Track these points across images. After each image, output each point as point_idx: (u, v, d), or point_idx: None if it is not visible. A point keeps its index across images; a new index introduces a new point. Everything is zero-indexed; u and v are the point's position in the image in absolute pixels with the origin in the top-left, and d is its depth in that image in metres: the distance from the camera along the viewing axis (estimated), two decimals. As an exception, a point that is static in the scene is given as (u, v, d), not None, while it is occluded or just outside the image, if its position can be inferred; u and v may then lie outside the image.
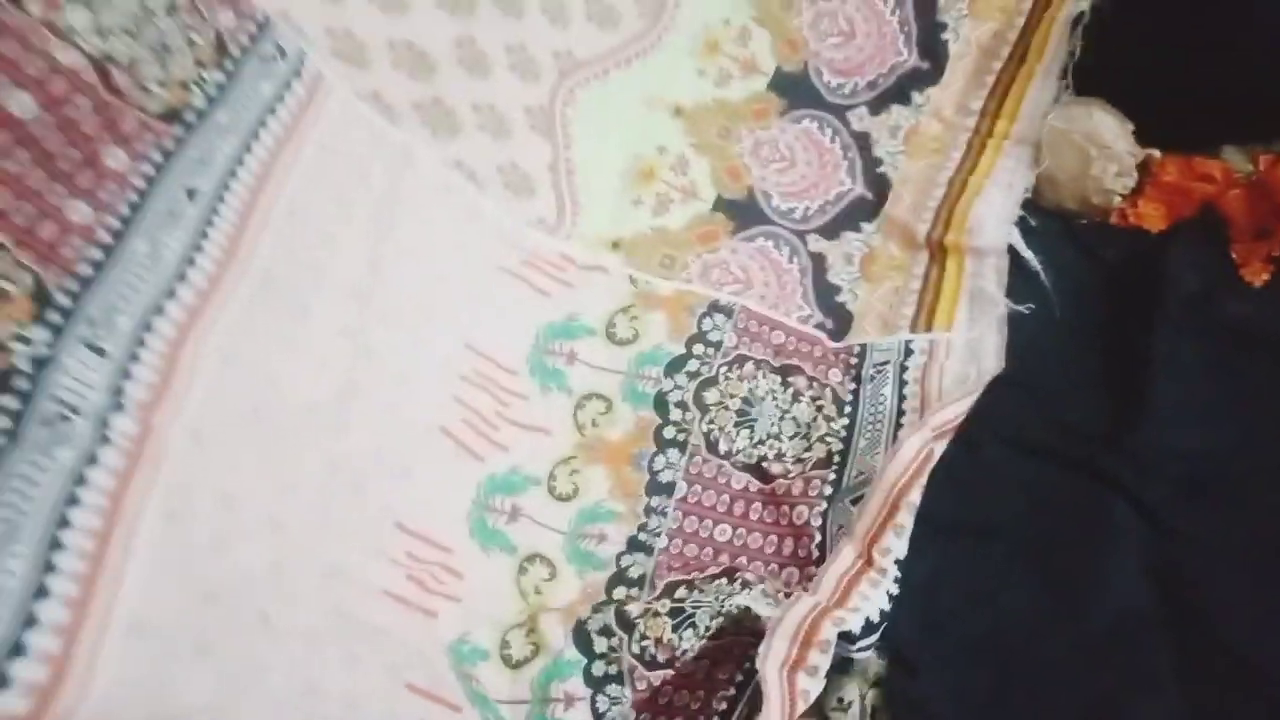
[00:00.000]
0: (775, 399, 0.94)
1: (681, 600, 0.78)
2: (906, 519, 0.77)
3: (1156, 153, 1.07)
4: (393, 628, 0.75)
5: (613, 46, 1.06)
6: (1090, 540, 0.82)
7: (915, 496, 0.78)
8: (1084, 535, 0.83)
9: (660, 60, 1.09)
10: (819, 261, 1.06)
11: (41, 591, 0.61)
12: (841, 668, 0.73)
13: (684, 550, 0.86)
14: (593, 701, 0.75)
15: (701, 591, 0.79)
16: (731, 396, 0.93)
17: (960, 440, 0.85)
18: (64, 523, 0.63)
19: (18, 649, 0.59)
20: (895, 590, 0.75)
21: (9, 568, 0.60)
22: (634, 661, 0.75)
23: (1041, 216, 1.06)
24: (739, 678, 0.74)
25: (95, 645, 0.62)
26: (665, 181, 1.06)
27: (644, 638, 0.75)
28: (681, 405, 0.93)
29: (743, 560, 0.85)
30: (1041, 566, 0.81)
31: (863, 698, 0.74)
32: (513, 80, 0.98)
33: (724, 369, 0.95)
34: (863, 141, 1.14)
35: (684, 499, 0.88)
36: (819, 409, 0.93)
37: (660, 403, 0.93)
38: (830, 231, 1.08)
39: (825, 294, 1.04)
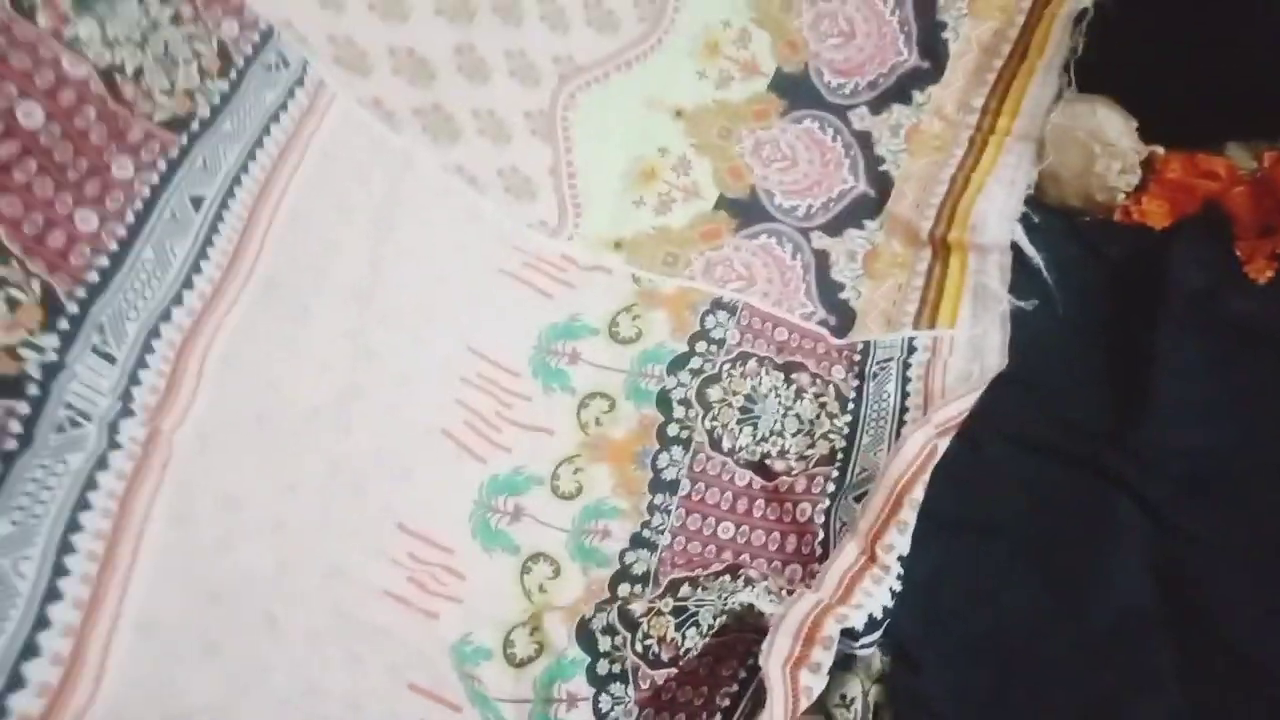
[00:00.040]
0: (778, 396, 0.94)
1: (685, 598, 0.78)
2: (909, 516, 0.77)
3: (1160, 150, 1.07)
4: (394, 628, 0.76)
5: (613, 50, 1.07)
6: (1092, 538, 0.82)
7: (918, 493, 0.78)
8: (1086, 533, 0.83)
9: (661, 63, 1.10)
10: (822, 258, 1.06)
11: (54, 594, 0.62)
12: (844, 664, 0.73)
13: (687, 547, 0.86)
14: (595, 701, 0.75)
15: (705, 589, 0.79)
16: (734, 394, 0.93)
17: (963, 437, 0.84)
18: (75, 526, 0.65)
19: (31, 650, 0.60)
20: (898, 587, 0.75)
21: (21, 570, 0.61)
22: (638, 660, 0.75)
23: (1045, 213, 1.06)
24: (742, 674, 0.74)
25: (105, 646, 0.63)
26: (667, 182, 1.06)
27: (647, 636, 0.75)
28: (685, 403, 0.93)
29: (746, 557, 0.85)
30: (1043, 564, 0.81)
31: (865, 694, 0.74)
32: (512, 86, 1.00)
33: (727, 366, 0.95)
34: (864, 140, 1.14)
35: (687, 496, 0.88)
36: (822, 406, 0.94)
37: (663, 401, 0.93)
38: (833, 229, 1.08)
39: (828, 291, 1.04)
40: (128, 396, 0.70)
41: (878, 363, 0.96)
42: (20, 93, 0.67)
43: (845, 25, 1.17)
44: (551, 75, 1.03)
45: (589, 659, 0.76)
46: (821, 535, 0.84)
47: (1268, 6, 1.01)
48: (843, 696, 0.74)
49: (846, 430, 0.92)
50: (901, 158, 1.13)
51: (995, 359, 0.93)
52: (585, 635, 0.78)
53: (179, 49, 0.78)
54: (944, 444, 0.82)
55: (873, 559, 0.76)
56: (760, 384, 0.94)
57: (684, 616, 0.76)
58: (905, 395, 0.92)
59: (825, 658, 0.67)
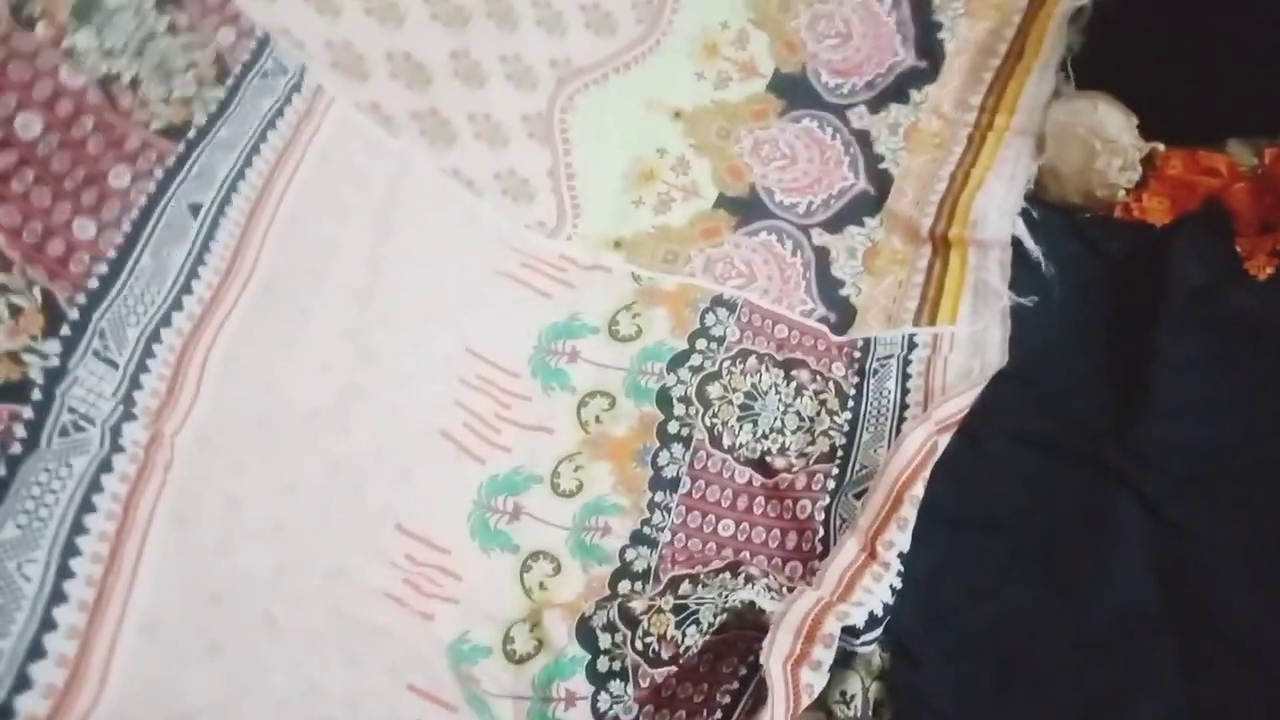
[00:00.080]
0: (778, 393, 0.94)
1: (685, 596, 0.78)
2: (910, 513, 0.77)
3: (1161, 146, 1.07)
4: (392, 629, 0.76)
5: (611, 53, 1.07)
6: (1093, 534, 0.82)
7: (919, 490, 0.78)
8: (1087, 529, 0.83)
9: (659, 64, 1.10)
10: (822, 255, 1.06)
11: (59, 596, 0.63)
12: (844, 661, 0.73)
13: (688, 544, 0.86)
14: (594, 700, 0.75)
15: (705, 586, 0.79)
16: (734, 391, 0.93)
17: (963, 434, 0.85)
18: (80, 529, 0.65)
19: (37, 652, 0.61)
20: (898, 584, 0.75)
21: (27, 573, 0.62)
22: (638, 658, 0.75)
23: (1045, 210, 1.06)
24: (742, 671, 0.74)
25: (109, 648, 0.64)
26: (666, 182, 1.07)
27: (648, 634, 0.75)
28: (685, 400, 0.93)
29: (746, 554, 0.85)
30: (1044, 561, 0.81)
31: (865, 691, 0.74)
32: (509, 90, 1.00)
33: (727, 363, 0.95)
34: (863, 139, 1.14)
35: (688, 494, 0.88)
36: (822, 403, 0.94)
37: (664, 398, 0.93)
38: (833, 225, 1.08)
39: (828, 288, 1.04)
40: (129, 400, 0.71)
41: (878, 359, 0.96)
42: (19, 104, 0.69)
43: (842, 26, 1.18)
44: (549, 78, 1.03)
45: (589, 656, 0.76)
46: (822, 532, 0.84)
47: (1268, 3, 1.00)
48: (843, 693, 0.74)
49: (847, 427, 0.92)
50: (901, 155, 1.13)
51: (996, 355, 0.93)
52: (585, 632, 0.78)
53: (175, 58, 0.80)
54: (944, 441, 0.82)
55: (873, 556, 0.76)
56: (760, 381, 0.94)
57: (684, 614, 0.76)
58: (905, 392, 0.92)
59: (826, 655, 0.67)
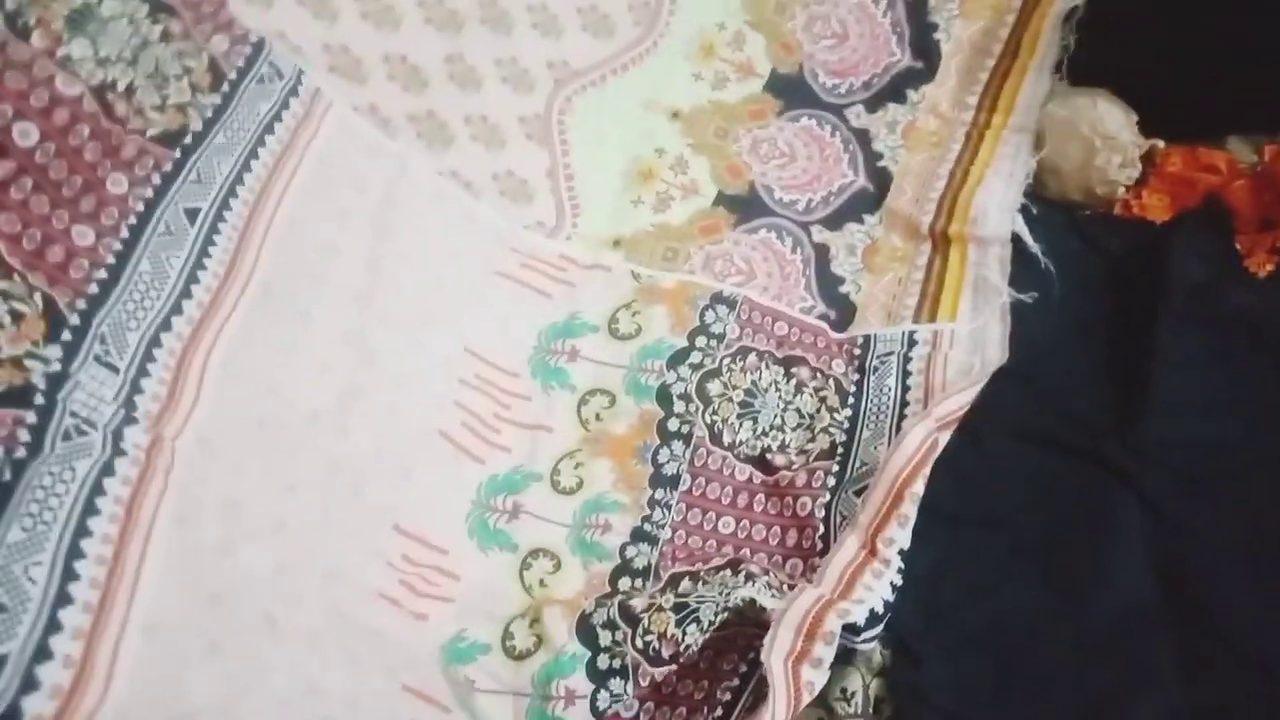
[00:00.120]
0: (778, 390, 0.94)
1: (686, 594, 0.78)
2: (910, 510, 0.77)
3: (1161, 143, 1.07)
4: (388, 629, 0.76)
5: (609, 55, 1.08)
6: (1093, 532, 0.82)
7: (919, 487, 0.78)
8: (1087, 527, 0.82)
9: (656, 66, 1.11)
10: (822, 252, 1.06)
11: (64, 598, 0.64)
12: (845, 658, 0.73)
13: (688, 542, 0.86)
14: (593, 698, 0.75)
15: (705, 584, 0.79)
16: (734, 388, 0.93)
17: (964, 431, 0.84)
18: (84, 531, 0.66)
19: (44, 653, 0.62)
20: (899, 581, 0.75)
21: (33, 576, 0.63)
22: (638, 656, 0.75)
23: (1045, 207, 1.06)
24: (743, 668, 0.74)
25: (114, 649, 0.65)
26: (665, 180, 1.07)
27: (648, 632, 0.75)
28: (685, 398, 0.92)
29: (746, 552, 0.85)
30: (1044, 558, 0.81)
31: (866, 687, 0.74)
32: (505, 92, 1.01)
33: (727, 361, 0.95)
34: (862, 137, 1.14)
35: (688, 491, 0.88)
36: (822, 400, 0.93)
37: (663, 396, 0.93)
38: (833, 223, 1.08)
39: (828, 285, 1.04)
40: (130, 404, 0.72)
41: (878, 356, 0.96)
42: (16, 113, 0.70)
43: (838, 27, 1.18)
44: (546, 80, 1.04)
45: (589, 653, 0.76)
46: (822, 529, 0.84)
47: (1268, 1, 1.00)
48: (843, 690, 0.74)
49: (847, 424, 0.92)
50: (899, 153, 1.13)
51: (996, 352, 0.93)
52: (585, 630, 0.78)
53: (169, 65, 0.81)
54: (944, 438, 0.82)
55: (873, 553, 0.76)
56: (760, 378, 0.94)
57: (685, 613, 0.76)
58: (906, 389, 0.92)
59: (827, 653, 0.67)
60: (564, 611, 0.79)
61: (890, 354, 0.96)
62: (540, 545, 0.85)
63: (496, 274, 0.96)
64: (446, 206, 0.96)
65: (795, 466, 0.89)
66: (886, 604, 0.73)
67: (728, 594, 0.75)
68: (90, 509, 0.67)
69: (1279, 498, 0.82)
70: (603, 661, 0.76)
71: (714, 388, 0.93)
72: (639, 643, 0.75)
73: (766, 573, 0.80)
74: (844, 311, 1.02)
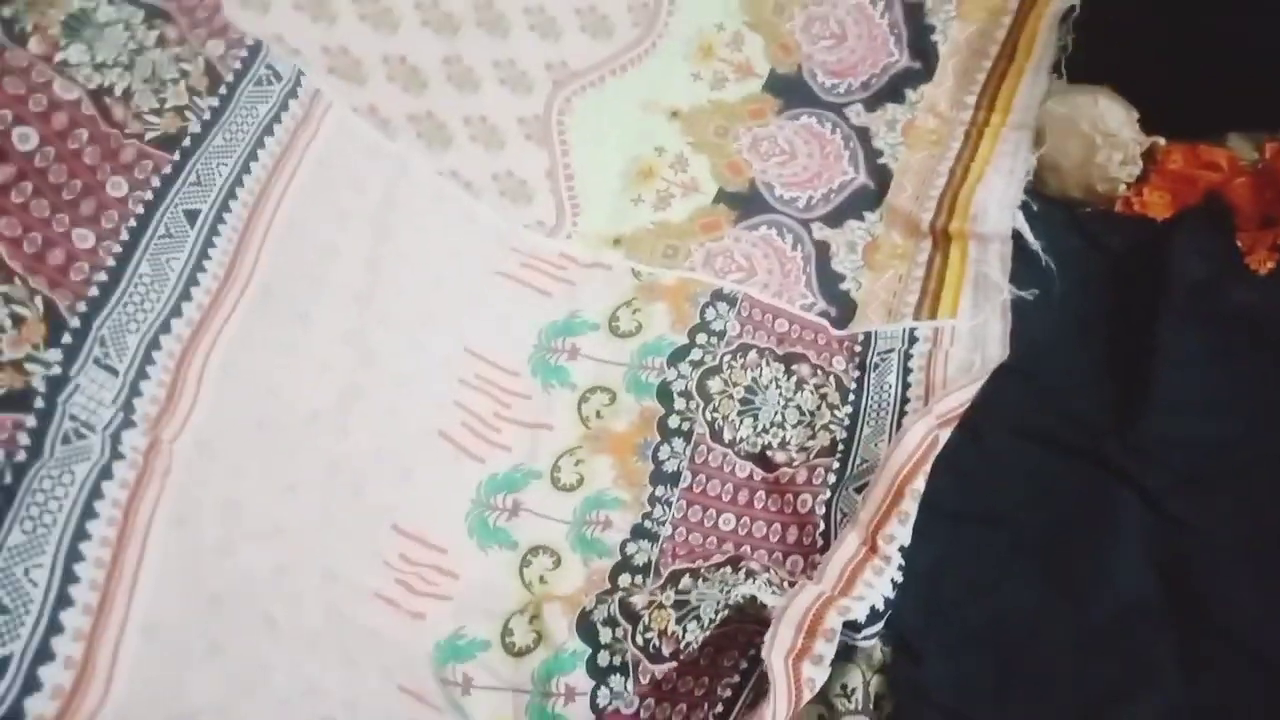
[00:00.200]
0: (779, 387, 0.94)
1: (686, 590, 0.78)
2: (911, 506, 0.77)
3: (1162, 140, 1.07)
4: (384, 630, 0.76)
5: (607, 55, 1.09)
6: (1093, 530, 0.82)
7: (920, 484, 0.78)
8: (1087, 525, 0.82)
9: (655, 66, 1.11)
10: (822, 249, 1.06)
11: (65, 600, 0.64)
12: (845, 654, 0.73)
13: (689, 539, 0.86)
14: (593, 695, 0.75)
15: (706, 581, 0.79)
16: (735, 385, 0.93)
17: (964, 428, 0.84)
18: (83, 534, 0.67)
19: (45, 654, 0.62)
20: (899, 578, 0.75)
21: (34, 578, 0.64)
22: (638, 653, 0.75)
23: (1045, 205, 1.06)
24: (743, 665, 0.74)
25: (114, 650, 0.65)
26: (665, 179, 1.07)
27: (648, 629, 0.75)
28: (685, 395, 0.92)
29: (747, 549, 0.85)
30: (1044, 555, 0.81)
31: (866, 684, 0.74)
32: (503, 93, 1.02)
33: (727, 358, 0.95)
34: (862, 134, 1.14)
35: (688, 488, 0.88)
36: (823, 397, 0.93)
37: (664, 393, 0.93)
38: (834, 220, 1.08)
39: (828, 282, 1.04)
40: (129, 407, 0.72)
41: (879, 354, 0.96)
42: (15, 118, 0.70)
43: (836, 28, 1.19)
44: (545, 81, 1.04)
45: (589, 650, 0.76)
46: (822, 526, 0.84)
47: (1269, -2, 1.00)
48: (844, 686, 0.73)
49: (847, 421, 0.92)
50: (899, 150, 1.13)
51: (996, 349, 0.93)
52: (586, 626, 0.78)
53: (166, 69, 0.82)
54: (945, 435, 0.82)
55: (874, 550, 0.76)
56: (761, 375, 0.94)
57: (685, 610, 0.76)
58: (906, 386, 0.92)
59: (827, 650, 0.67)
60: (564, 608, 0.79)
61: (891, 351, 0.96)
62: (540, 542, 0.85)
63: (496, 273, 0.96)
64: (446, 207, 0.96)
65: (796, 463, 0.89)
66: (887, 601, 0.73)
67: (728, 591, 0.75)
68: (89, 512, 0.67)
69: (1278, 494, 0.81)
70: (603, 658, 0.76)
71: (714, 385, 0.93)
72: (639, 640, 0.75)
73: (767, 570, 0.80)
74: (844, 308, 1.02)
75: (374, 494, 0.81)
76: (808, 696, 0.66)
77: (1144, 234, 1.03)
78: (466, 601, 0.80)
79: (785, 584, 0.77)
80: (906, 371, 0.93)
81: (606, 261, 1.01)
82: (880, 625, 0.73)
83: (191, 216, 0.81)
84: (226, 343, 0.79)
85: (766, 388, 0.94)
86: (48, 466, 0.67)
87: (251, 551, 0.74)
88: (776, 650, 0.67)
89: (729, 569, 0.80)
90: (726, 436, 0.91)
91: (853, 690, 0.73)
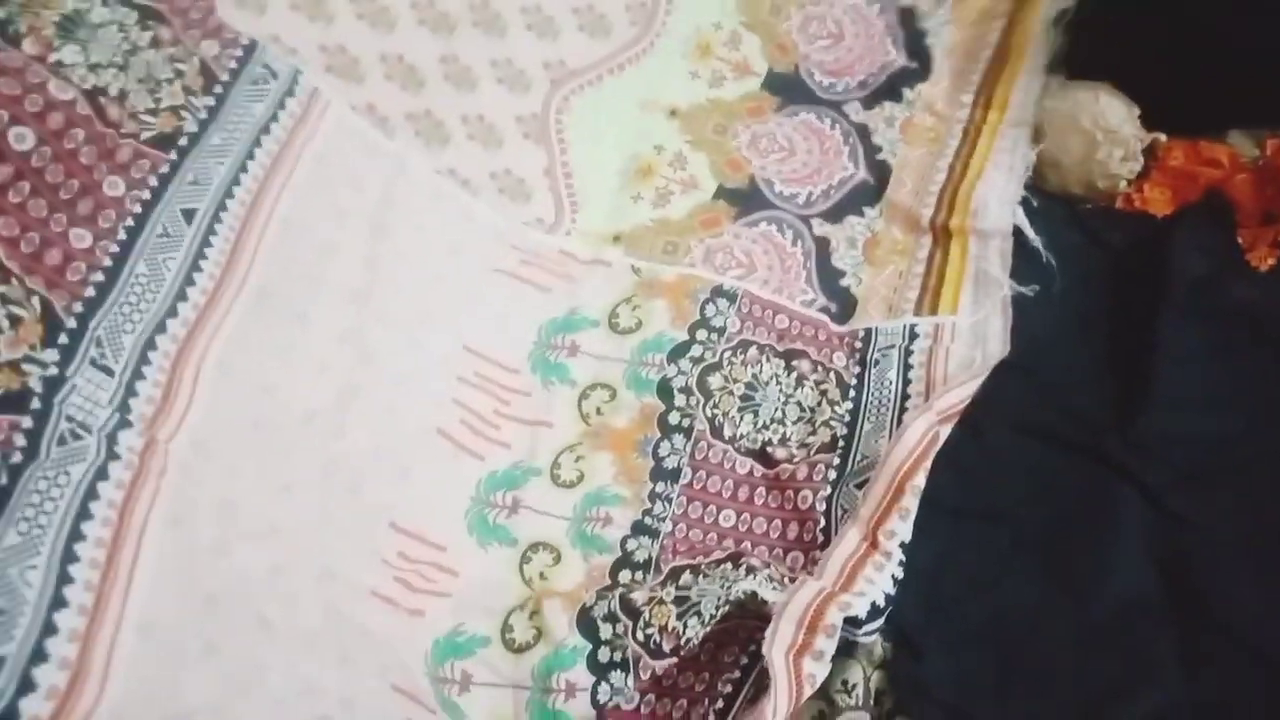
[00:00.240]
0: (779, 383, 0.94)
1: (687, 587, 0.78)
2: (911, 502, 0.77)
3: (1163, 137, 1.07)
4: (379, 629, 0.76)
5: (605, 54, 1.09)
6: (1094, 526, 0.82)
7: (920, 480, 0.78)
8: (1088, 521, 0.82)
9: (653, 65, 1.11)
10: (823, 245, 1.06)
11: (59, 601, 0.64)
12: (846, 650, 0.73)
13: (689, 535, 0.86)
14: (594, 691, 0.75)
15: (706, 577, 0.79)
16: (735, 381, 0.93)
17: (965, 425, 0.84)
18: (78, 535, 0.67)
19: (40, 655, 0.62)
20: (900, 574, 0.75)
21: (28, 579, 0.64)
22: (639, 649, 0.75)
23: (1046, 201, 1.06)
24: (744, 660, 0.74)
25: (109, 650, 0.65)
26: (664, 176, 1.07)
27: (649, 625, 0.75)
28: (686, 391, 0.92)
29: (747, 545, 0.84)
30: (1045, 552, 0.81)
31: (867, 680, 0.74)
32: (501, 92, 1.02)
33: (728, 354, 0.95)
34: (862, 130, 1.14)
35: (689, 484, 0.88)
36: (823, 393, 0.93)
37: (664, 389, 0.93)
38: (834, 215, 1.08)
39: (829, 278, 1.04)
40: (125, 408, 0.72)
41: (879, 350, 0.96)
42: (11, 118, 0.70)
43: (834, 27, 1.19)
44: (543, 80, 1.05)
45: (590, 646, 0.76)
46: (823, 523, 0.84)
47: (1271, -7, 1.00)
48: (844, 682, 0.73)
49: (848, 417, 0.91)
50: (898, 146, 1.14)
51: (997, 346, 0.93)
52: (586, 622, 0.77)
53: (160, 69, 0.82)
54: (946, 431, 0.82)
55: (874, 546, 0.76)
56: (761, 371, 0.94)
57: (686, 606, 0.76)
58: (907, 382, 0.92)
59: (828, 645, 0.67)
60: (564, 604, 0.79)
61: (891, 347, 0.95)
62: (540, 539, 0.85)
63: (495, 271, 0.96)
64: (444, 205, 0.96)
65: (796, 460, 0.89)
66: (887, 597, 0.73)
67: (729, 587, 0.75)
68: (84, 513, 0.67)
69: (1278, 490, 0.81)
70: (603, 654, 0.76)
71: (715, 381, 0.93)
72: (640, 635, 0.75)
73: (767, 566, 0.80)
74: (845, 305, 1.02)
75: (372, 492, 0.81)
76: (808, 692, 0.66)
77: (1145, 230, 1.03)
78: (466, 598, 0.80)
79: (786, 580, 0.77)
80: (907, 368, 0.93)
81: (606, 258, 1.01)
82: (881, 621, 0.73)
83: (189, 216, 0.81)
84: (223, 342, 0.79)
85: (767, 384, 0.94)
86: (43, 467, 0.67)
87: (247, 551, 0.74)
88: (777, 646, 0.67)
89: (729, 565, 0.80)
90: (727, 433, 0.90)
91: (853, 686, 0.73)
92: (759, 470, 0.89)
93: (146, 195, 0.79)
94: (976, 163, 1.08)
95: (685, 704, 0.74)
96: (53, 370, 0.69)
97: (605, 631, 0.77)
